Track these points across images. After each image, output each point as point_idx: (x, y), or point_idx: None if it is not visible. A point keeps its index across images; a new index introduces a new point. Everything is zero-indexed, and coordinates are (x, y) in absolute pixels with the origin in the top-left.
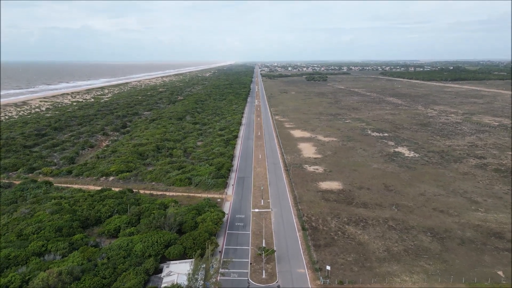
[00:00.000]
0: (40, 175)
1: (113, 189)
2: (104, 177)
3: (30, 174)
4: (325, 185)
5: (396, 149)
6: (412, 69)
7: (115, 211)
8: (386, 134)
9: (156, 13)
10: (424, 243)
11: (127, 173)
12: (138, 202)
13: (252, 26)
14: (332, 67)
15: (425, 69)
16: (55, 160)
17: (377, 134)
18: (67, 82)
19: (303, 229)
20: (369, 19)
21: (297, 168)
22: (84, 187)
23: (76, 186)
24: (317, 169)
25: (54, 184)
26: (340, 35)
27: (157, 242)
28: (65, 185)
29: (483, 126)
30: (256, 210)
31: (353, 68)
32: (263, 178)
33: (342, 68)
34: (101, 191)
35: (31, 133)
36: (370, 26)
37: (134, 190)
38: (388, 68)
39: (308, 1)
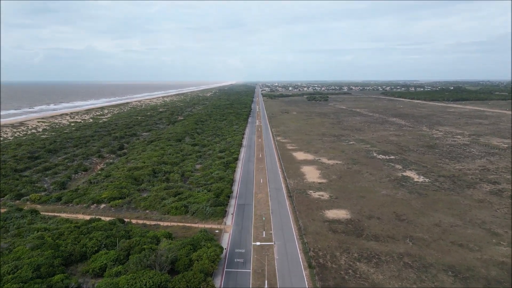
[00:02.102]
0: (28, 202)
1: (103, 218)
2: (95, 205)
3: (18, 201)
4: (332, 213)
5: (404, 173)
6: (413, 89)
7: (103, 245)
8: (392, 157)
9: (159, 34)
10: (446, 285)
11: (120, 200)
12: (129, 234)
13: (253, 47)
14: (333, 87)
15: (426, 89)
16: (46, 185)
17: (383, 156)
18: (68, 102)
19: (310, 266)
20: (369, 40)
21: (301, 194)
22: (73, 215)
23: (64, 215)
24: (322, 196)
25: (41, 213)
26: (340, 56)
27: (145, 285)
28: (53, 214)
29: (492, 148)
30: (258, 243)
31: (353, 88)
32: (264, 205)
33: (343, 88)
34: (89, 221)
35: (23, 155)
36: (370, 47)
37: (126, 220)
38: (388, 88)
39: (308, 24)
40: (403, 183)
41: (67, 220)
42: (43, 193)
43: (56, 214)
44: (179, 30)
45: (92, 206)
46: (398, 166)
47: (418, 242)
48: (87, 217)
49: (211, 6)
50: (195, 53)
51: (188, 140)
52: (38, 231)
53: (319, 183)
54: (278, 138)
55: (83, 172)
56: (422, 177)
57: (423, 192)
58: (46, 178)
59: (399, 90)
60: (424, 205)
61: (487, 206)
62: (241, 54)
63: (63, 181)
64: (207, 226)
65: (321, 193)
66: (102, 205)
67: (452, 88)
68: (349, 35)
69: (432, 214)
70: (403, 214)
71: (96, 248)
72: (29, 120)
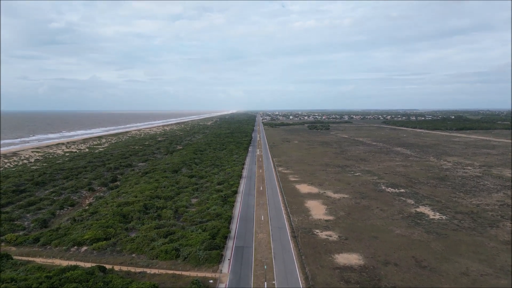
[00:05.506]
0: (3, 244)
1: (82, 265)
2: (75, 247)
3: None
4: (343, 258)
5: (417, 209)
6: (414, 118)
7: None
8: (402, 190)
9: (162, 65)
10: None
11: (104, 242)
12: (108, 287)
13: (254, 77)
14: (334, 116)
15: (427, 118)
16: (26, 223)
17: (393, 190)
18: (69, 132)
19: None
20: (368, 70)
21: (306, 234)
22: (49, 261)
23: (39, 260)
24: (330, 236)
25: (14, 257)
26: (340, 85)
27: None
28: (27, 258)
29: (507, 180)
30: None
31: (354, 116)
32: (266, 248)
33: (344, 116)
34: (64, 270)
35: (8, 189)
36: (369, 77)
37: (108, 267)
38: (389, 117)
39: (308, 55)
40: (418, 221)
41: (39, 267)
42: (21, 232)
43: (30, 258)
44: (182, 61)
45: (72, 249)
46: (410, 201)
47: None
48: (65, 263)
49: (213, 40)
50: (197, 83)
51: (185, 171)
52: (3, 283)
53: (326, 220)
54: (280, 168)
55: (70, 208)
56: (437, 213)
57: (442, 232)
58: (28, 215)
59: (400, 119)
60: (446, 248)
61: None
62: (243, 84)
63: (45, 218)
64: (200, 274)
65: (328, 232)
66: (84, 248)
67: (453, 117)
68: (349, 65)
69: (456, 259)
70: (423, 259)
71: None
72: (23, 150)
